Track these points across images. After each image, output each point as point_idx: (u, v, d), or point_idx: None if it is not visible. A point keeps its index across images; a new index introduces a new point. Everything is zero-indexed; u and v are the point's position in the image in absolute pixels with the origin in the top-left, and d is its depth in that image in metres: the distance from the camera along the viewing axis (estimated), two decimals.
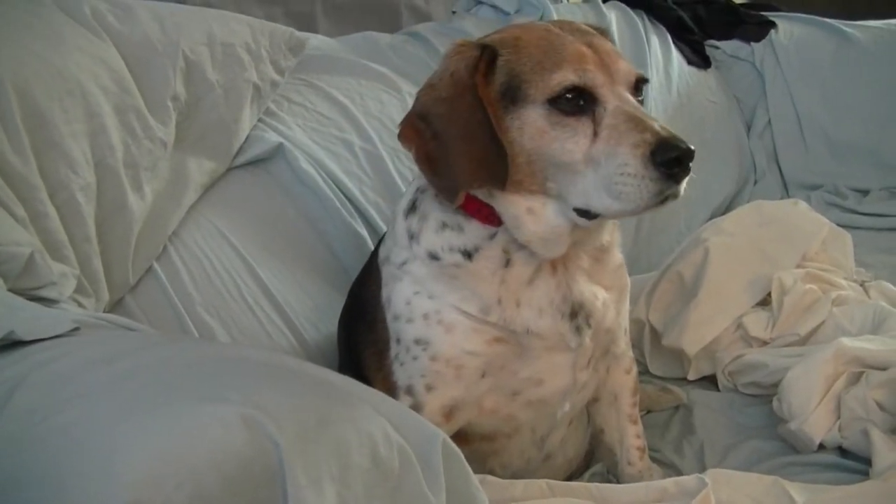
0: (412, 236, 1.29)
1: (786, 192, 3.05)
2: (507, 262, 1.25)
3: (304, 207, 1.77)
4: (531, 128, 1.17)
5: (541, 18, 2.58)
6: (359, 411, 0.86)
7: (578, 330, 1.29)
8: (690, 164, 1.10)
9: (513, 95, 1.17)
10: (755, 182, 3.08)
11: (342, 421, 0.83)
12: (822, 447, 1.50)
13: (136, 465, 0.71)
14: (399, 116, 1.32)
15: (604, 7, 2.93)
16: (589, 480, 1.52)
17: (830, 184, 2.98)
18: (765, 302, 1.88)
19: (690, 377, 1.88)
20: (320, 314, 1.68)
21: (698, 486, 1.28)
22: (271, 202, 1.75)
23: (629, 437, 1.49)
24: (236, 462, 0.73)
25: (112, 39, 1.49)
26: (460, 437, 1.30)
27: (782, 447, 1.56)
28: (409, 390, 1.28)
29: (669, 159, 1.09)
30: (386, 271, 1.32)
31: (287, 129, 1.84)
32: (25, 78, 1.30)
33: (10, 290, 1.13)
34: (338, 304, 1.56)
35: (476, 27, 2.46)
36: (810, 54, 3.14)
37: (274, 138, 1.78)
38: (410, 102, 1.28)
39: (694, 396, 1.81)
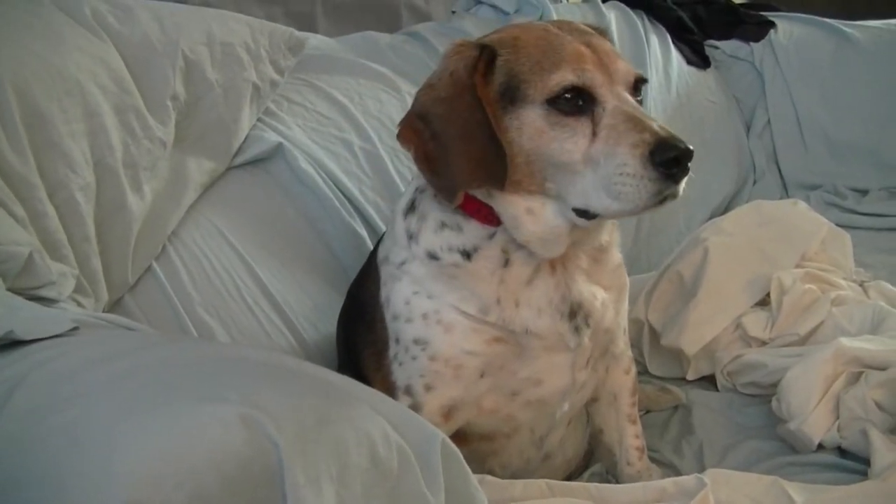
0: (411, 236, 1.29)
1: (785, 192, 3.05)
2: (506, 262, 1.25)
3: (303, 207, 1.77)
4: (530, 128, 1.17)
5: (540, 18, 2.58)
6: (358, 411, 0.86)
7: (577, 330, 1.29)
8: (689, 164, 1.10)
9: (512, 95, 1.17)
10: (754, 182, 3.08)
11: (341, 421, 0.83)
12: (821, 447, 1.50)
13: (136, 464, 0.71)
14: (398, 116, 1.32)
15: (603, 7, 2.93)
16: (588, 480, 1.52)
17: (830, 184, 2.98)
18: (764, 302, 1.88)
19: (689, 377, 1.88)
20: (319, 314, 1.68)
21: (697, 486, 1.28)
22: (270, 202, 1.75)
23: (628, 437, 1.49)
24: (235, 462, 0.73)
25: (112, 39, 1.49)
26: (459, 437, 1.29)
27: (781, 447, 1.56)
28: (408, 390, 1.28)
29: (668, 159, 1.09)
30: (385, 271, 1.32)
31: (286, 129, 1.84)
32: (25, 78, 1.30)
33: (9, 289, 1.13)
34: (337, 303, 1.56)
35: (475, 27, 2.46)
36: (810, 54, 3.14)
37: (273, 138, 1.78)
38: (410, 102, 1.28)
39: (693, 396, 1.81)
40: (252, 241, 1.66)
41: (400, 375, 1.29)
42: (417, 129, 1.21)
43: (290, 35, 1.86)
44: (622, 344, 1.46)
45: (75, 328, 1.03)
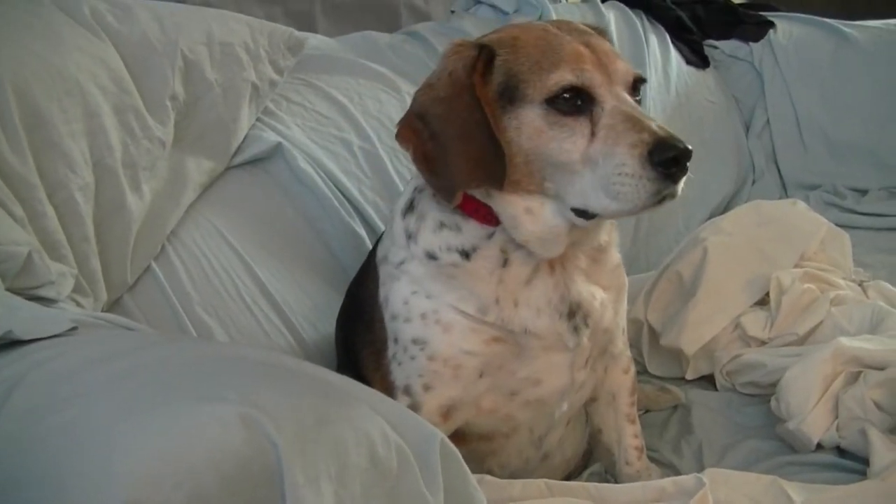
0: (410, 236, 1.29)
1: (784, 191, 3.05)
2: (505, 262, 1.25)
3: (302, 207, 1.77)
4: (529, 128, 1.17)
5: (539, 18, 2.58)
6: (357, 411, 0.86)
7: (576, 330, 1.29)
8: (688, 164, 1.10)
9: (510, 95, 1.17)
10: (754, 182, 3.08)
11: (340, 420, 0.83)
12: (819, 447, 1.51)
13: (135, 464, 0.71)
14: (398, 116, 1.32)
15: (602, 7, 2.93)
16: (587, 480, 1.52)
17: (829, 184, 2.98)
18: (763, 301, 1.88)
19: (688, 377, 1.88)
20: (318, 313, 1.68)
21: (696, 486, 1.28)
22: (270, 201, 1.75)
23: (627, 437, 1.49)
24: (235, 461, 0.73)
25: (111, 39, 1.49)
26: (458, 437, 1.29)
27: (780, 447, 1.56)
28: (407, 390, 1.28)
29: (667, 159, 1.09)
30: (384, 271, 1.32)
31: (286, 129, 1.84)
32: (24, 78, 1.30)
33: (8, 289, 1.13)
34: (336, 303, 1.56)
35: (475, 27, 2.46)
36: (809, 54, 3.14)
37: (272, 138, 1.78)
38: (409, 102, 1.28)
39: (692, 396, 1.81)
40: (251, 241, 1.66)
41: (399, 375, 1.29)
42: (416, 129, 1.21)
43: (290, 35, 1.86)
44: (621, 344, 1.46)
45: (74, 328, 1.03)
